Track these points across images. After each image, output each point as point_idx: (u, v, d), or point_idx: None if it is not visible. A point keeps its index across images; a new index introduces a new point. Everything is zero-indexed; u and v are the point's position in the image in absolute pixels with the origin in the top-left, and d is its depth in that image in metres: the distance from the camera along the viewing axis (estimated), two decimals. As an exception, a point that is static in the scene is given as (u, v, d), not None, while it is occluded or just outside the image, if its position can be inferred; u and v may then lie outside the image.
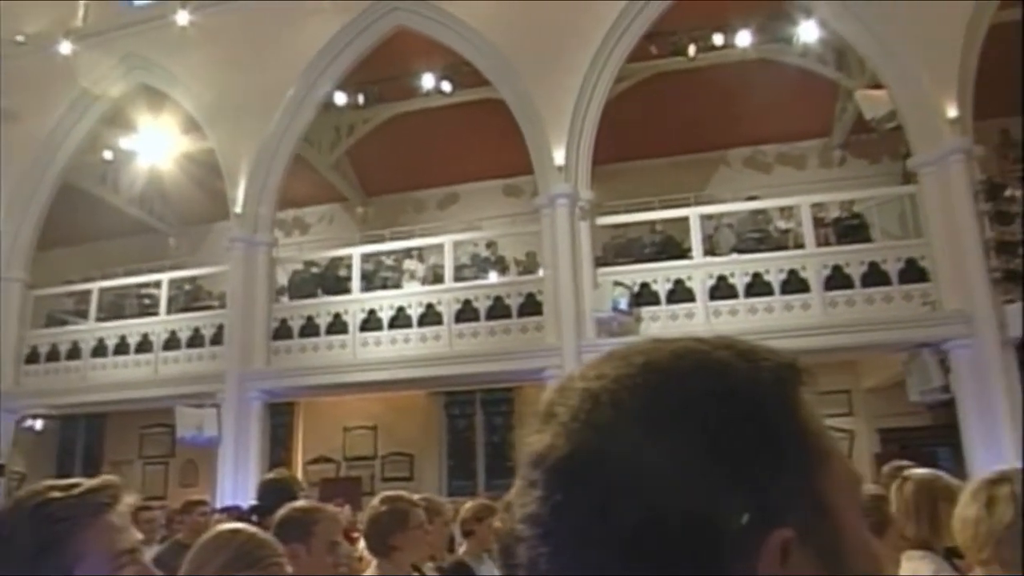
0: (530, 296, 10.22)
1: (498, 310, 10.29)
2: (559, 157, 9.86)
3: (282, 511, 2.31)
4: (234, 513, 5.78)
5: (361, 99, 11.87)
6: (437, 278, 11.04)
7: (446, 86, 11.51)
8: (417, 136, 12.33)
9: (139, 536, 1.14)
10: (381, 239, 12.30)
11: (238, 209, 11.14)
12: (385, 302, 10.80)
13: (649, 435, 0.45)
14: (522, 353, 9.80)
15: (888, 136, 10.36)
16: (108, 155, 12.88)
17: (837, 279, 9.46)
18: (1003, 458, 8.24)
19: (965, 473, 8.84)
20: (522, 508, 0.49)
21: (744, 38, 10.46)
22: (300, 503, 2.44)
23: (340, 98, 11.71)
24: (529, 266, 11.12)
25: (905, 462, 3.55)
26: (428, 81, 11.52)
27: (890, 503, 2.12)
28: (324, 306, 11.05)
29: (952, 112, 8.99)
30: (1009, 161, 11.31)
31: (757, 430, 0.45)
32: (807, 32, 10.23)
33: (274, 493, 3.41)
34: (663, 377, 0.47)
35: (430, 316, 10.52)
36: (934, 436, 10.64)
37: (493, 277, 11.06)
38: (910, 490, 2.47)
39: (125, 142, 12.36)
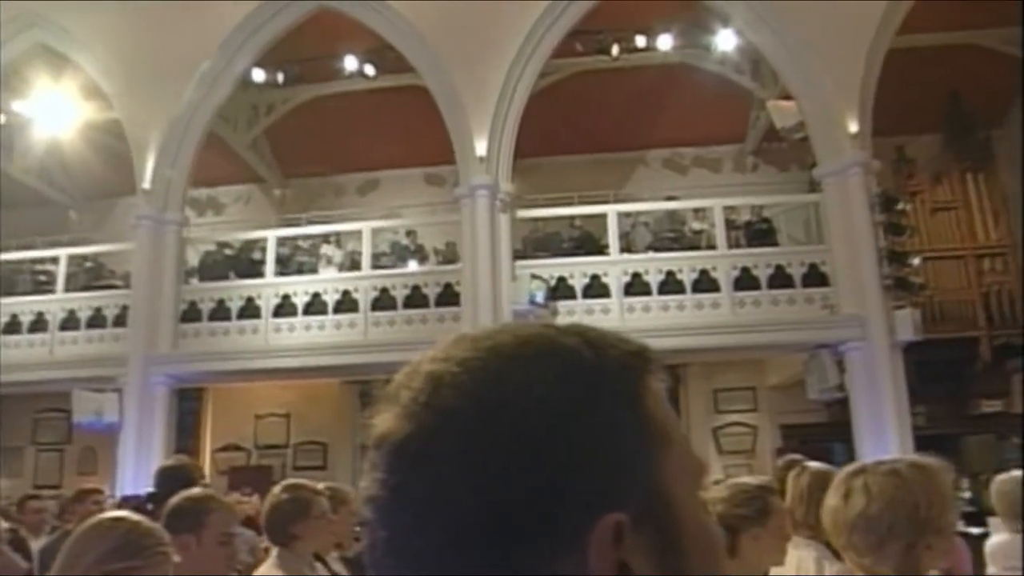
0: (448, 286, 10.21)
1: (416, 299, 10.23)
2: (481, 148, 9.87)
3: (173, 500, 2.22)
4: (132, 502, 5.57)
5: (281, 78, 11.51)
6: (354, 265, 10.88)
7: (369, 70, 11.30)
8: (338, 119, 12.09)
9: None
10: (298, 223, 12.02)
11: (146, 185, 10.65)
12: (300, 287, 10.58)
13: (487, 419, 0.45)
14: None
15: (796, 146, 10.85)
16: (0, 119, 12.04)
17: (745, 280, 9.84)
18: (889, 452, 8.80)
19: (854, 467, 9.40)
20: (364, 491, 0.49)
21: (665, 42, 10.71)
22: (193, 491, 2.35)
23: (259, 75, 11.31)
24: (449, 256, 11.11)
25: (797, 456, 3.76)
26: (351, 64, 11.26)
27: (776, 493, 2.25)
28: (236, 289, 10.72)
29: (853, 128, 9.51)
30: (903, 176, 12.07)
31: (596, 416, 0.45)
32: (725, 41, 10.57)
33: (172, 481, 3.29)
34: (505, 361, 0.47)
35: (346, 303, 10.37)
36: (830, 432, 11.19)
37: (413, 266, 10.99)
38: (805, 481, 2.63)
39: (20, 106, 11.57)
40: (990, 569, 4.01)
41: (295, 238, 11.49)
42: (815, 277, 9.81)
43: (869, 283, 9.36)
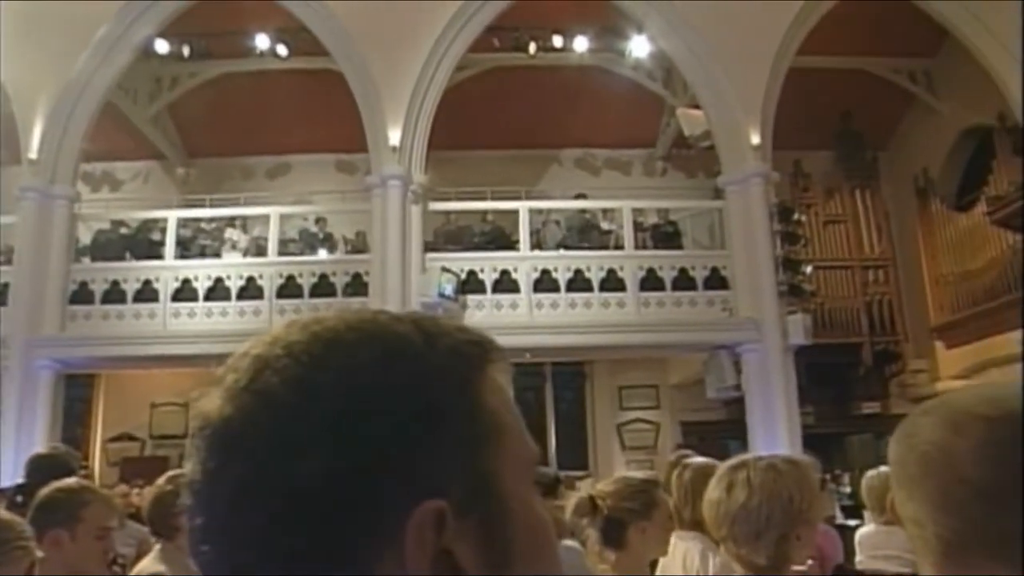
0: (357, 276, 10.05)
1: (323, 288, 10.02)
2: (394, 138, 9.74)
3: (43, 491, 2.08)
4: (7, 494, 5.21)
5: (186, 51, 10.98)
6: (260, 250, 10.54)
7: (282, 50, 10.95)
8: (248, 99, 11.68)
9: None
10: (202, 204, 11.53)
11: (32, 155, 9.96)
12: (202, 272, 10.17)
13: (305, 403, 0.44)
14: None
15: (703, 154, 11.24)
16: None
17: (650, 281, 10.11)
18: (780, 448, 9.27)
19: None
20: (186, 476, 0.47)
21: (582, 44, 10.89)
22: (66, 482, 2.21)
23: (162, 46, 10.76)
24: (358, 245, 10.92)
25: (688, 451, 3.91)
26: (263, 42, 10.88)
27: (661, 487, 2.33)
28: (132, 271, 10.19)
29: (755, 140, 9.95)
30: (799, 189, 12.74)
31: (418, 403, 0.45)
32: (639, 47, 10.83)
33: (45, 471, 3.09)
34: (329, 346, 0.47)
35: (251, 290, 10.04)
36: (727, 429, 11.65)
37: (323, 254, 10.75)
38: (687, 477, 2.73)
39: None
40: (858, 557, 4.29)
41: (198, 220, 11.03)
42: (716, 280, 10.17)
43: (765, 288, 9.79)
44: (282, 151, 12.96)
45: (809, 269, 10.64)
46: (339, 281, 10.06)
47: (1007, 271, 11.18)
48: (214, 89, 11.70)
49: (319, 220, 11.07)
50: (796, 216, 10.56)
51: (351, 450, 0.43)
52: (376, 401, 0.45)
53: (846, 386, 12.85)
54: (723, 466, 1.67)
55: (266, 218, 10.63)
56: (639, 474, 2.29)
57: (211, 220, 11.06)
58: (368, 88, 9.88)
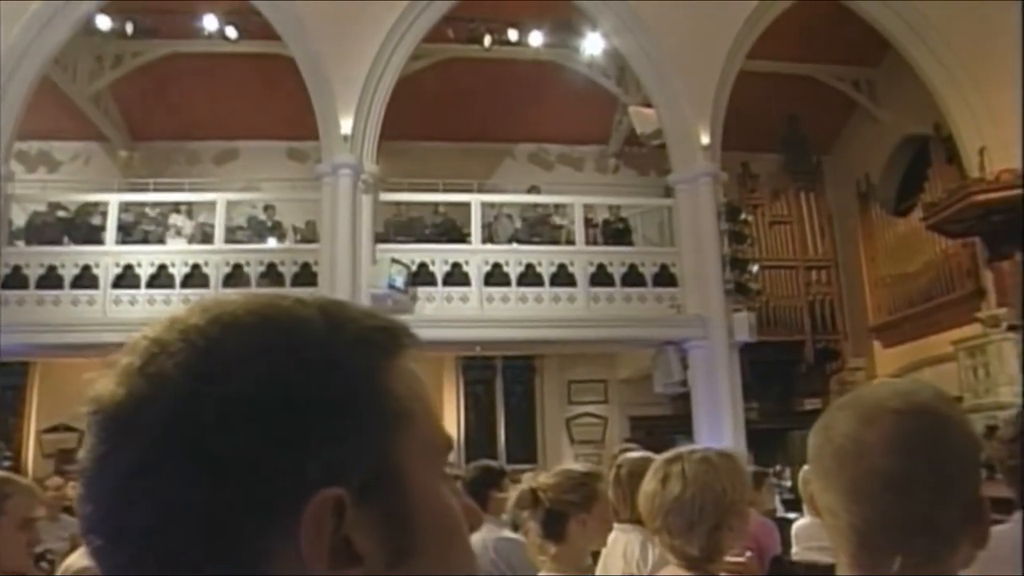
0: (306, 266, 9.90)
1: (271, 277, 9.84)
2: (346, 126, 9.60)
3: (-37, 483, 2.00)
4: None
5: (130, 28, 10.60)
6: (206, 237, 10.30)
7: (231, 32, 10.68)
8: (196, 81, 11.37)
9: None
10: (145, 188, 11.21)
11: (-40, 131, 9.55)
12: (145, 258, 9.88)
13: (197, 388, 0.43)
14: None
15: (655, 152, 11.39)
16: None
17: (601, 277, 10.20)
18: (724, 443, 9.47)
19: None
20: (79, 463, 0.46)
21: (537, 38, 10.89)
22: None
23: (104, 22, 10.37)
24: (308, 235, 10.75)
25: (631, 445, 3.97)
26: (211, 23, 10.60)
27: (602, 480, 2.36)
28: (71, 256, 9.84)
29: (705, 140, 10.12)
30: (747, 190, 13.01)
31: (317, 389, 0.44)
32: (593, 44, 10.88)
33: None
34: (225, 329, 0.45)
35: (196, 277, 9.80)
36: (674, 424, 11.82)
37: (272, 243, 10.56)
38: (625, 470, 2.77)
39: None
40: (794, 548, 4.43)
41: (141, 204, 10.71)
42: (665, 277, 10.32)
43: (713, 286, 9.97)
44: (230, 137, 12.66)
45: (755, 268, 10.88)
46: (288, 271, 9.90)
47: (940, 275, 11.62)
48: (159, 70, 11.35)
49: (268, 208, 10.88)
50: (743, 216, 10.79)
51: (244, 437, 0.42)
52: (273, 387, 0.43)
53: (789, 383, 13.18)
54: (658, 459, 1.71)
55: (213, 204, 10.38)
56: (580, 467, 2.31)
57: (155, 205, 10.76)
58: (320, 75, 9.72)
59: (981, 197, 9.24)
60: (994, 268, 10.02)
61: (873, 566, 0.83)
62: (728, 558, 1.78)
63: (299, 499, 0.42)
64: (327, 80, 9.68)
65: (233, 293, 0.50)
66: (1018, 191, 9.08)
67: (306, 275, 9.81)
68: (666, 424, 12.42)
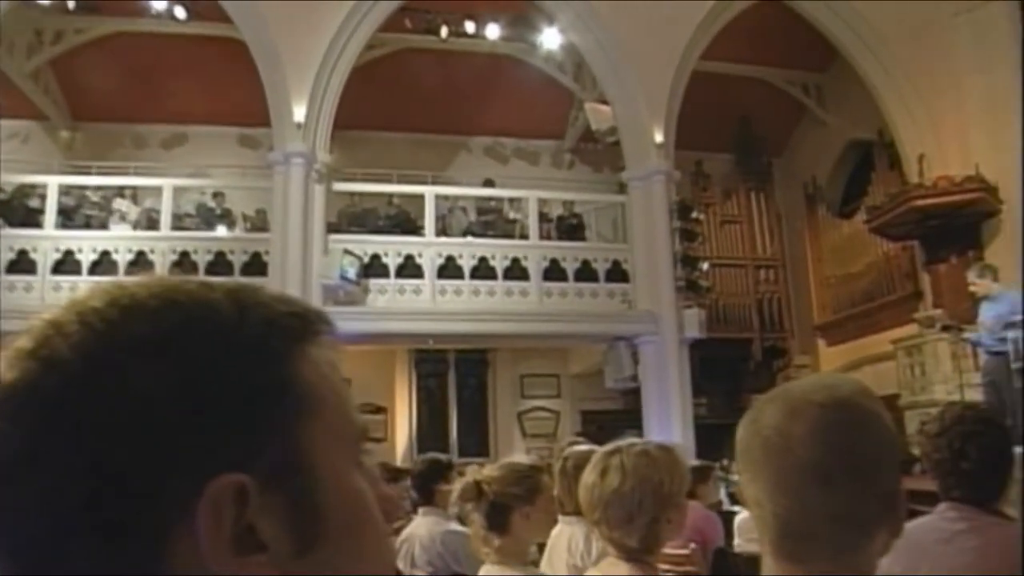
0: (256, 255, 9.72)
1: (220, 266, 9.63)
2: (299, 114, 9.44)
3: None
4: None
5: (72, 3, 10.23)
6: (152, 224, 10.03)
7: (180, 12, 10.39)
8: (143, 62, 11.02)
9: None
10: (88, 171, 10.85)
11: None
12: (87, 243, 9.57)
13: (91, 371, 0.42)
14: None
15: (610, 149, 11.48)
16: None
17: (554, 272, 10.25)
18: (673, 438, 9.63)
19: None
20: None
21: (494, 31, 10.87)
22: None
23: (44, -7, 9.99)
24: (258, 224, 10.54)
25: (580, 439, 4.01)
26: (159, 2, 10.30)
27: (546, 473, 2.37)
28: (7, 239, 9.46)
29: (659, 138, 10.24)
30: (699, 189, 13.22)
31: (220, 374, 0.43)
32: (551, 39, 10.91)
33: None
34: (124, 312, 0.44)
35: (141, 265, 9.51)
36: (625, 419, 11.95)
37: (221, 231, 10.33)
38: (570, 463, 2.79)
39: None
40: (736, 540, 4.53)
41: (83, 188, 10.36)
42: (617, 273, 10.42)
43: (664, 283, 10.11)
44: (179, 120, 12.33)
45: (706, 266, 11.06)
46: (237, 259, 9.72)
47: (882, 276, 12.00)
48: (104, 48, 10.97)
49: (217, 195, 10.63)
50: (695, 214, 10.96)
51: (141, 423, 0.41)
52: (173, 372, 0.42)
53: (737, 379, 13.44)
54: (599, 451, 1.72)
55: (159, 190, 10.11)
56: (525, 460, 2.32)
57: (98, 189, 10.41)
58: (272, 60, 9.52)
59: (919, 202, 9.57)
60: (931, 271, 10.39)
61: (795, 555, 0.85)
62: (673, 550, 1.82)
63: (199, 486, 0.41)
64: (280, 66, 9.49)
65: (138, 277, 0.48)
66: (953, 197, 9.43)
67: (256, 265, 9.64)
68: (617, 419, 12.54)
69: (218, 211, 10.49)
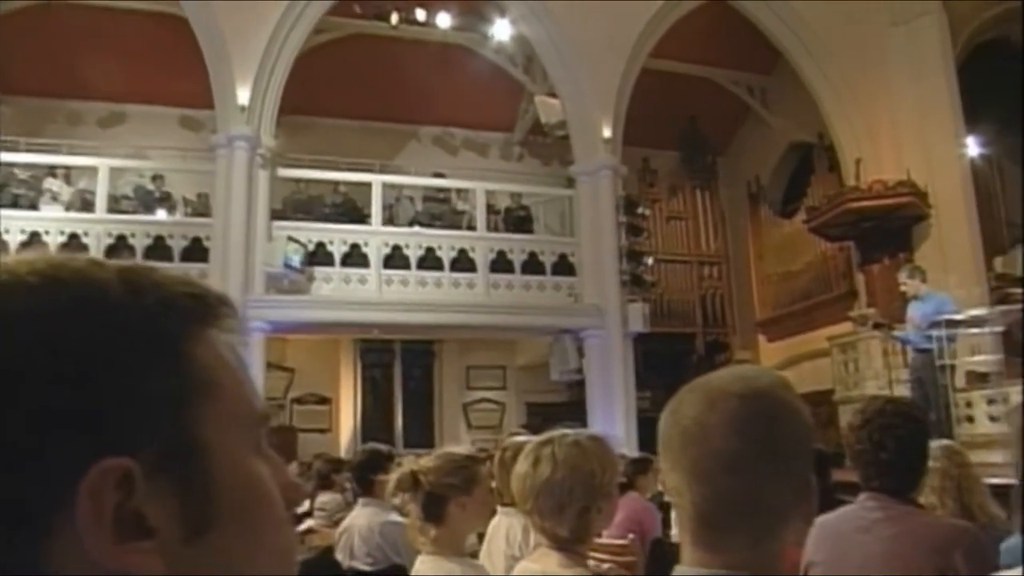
0: (196, 241, 9.46)
1: (158, 251, 9.32)
2: (243, 97, 9.21)
3: None
4: None
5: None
6: (87, 205, 9.67)
7: (118, -15, 10.03)
8: (79, 35, 10.56)
9: None
10: (16, 147, 10.37)
11: None
12: (14, 223, 9.14)
13: None
14: None
15: (559, 143, 11.53)
16: None
17: (501, 264, 10.26)
18: (616, 431, 9.75)
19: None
20: None
21: (444, 20, 10.78)
22: None
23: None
24: (200, 208, 10.28)
25: (522, 431, 4.03)
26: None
27: (483, 463, 2.37)
28: (-78, 217, 9.03)
29: (607, 133, 10.34)
30: (646, 185, 13.40)
31: (106, 354, 0.42)
32: (502, 31, 10.87)
33: None
34: (4, 289, 0.43)
35: (73, 247, 9.15)
36: (570, 411, 12.03)
37: (161, 215, 10.02)
38: (509, 455, 2.80)
39: None
40: (674, 530, 4.62)
41: (11, 165, 9.90)
42: (564, 267, 10.50)
43: (609, 277, 10.22)
44: (117, 99, 11.89)
45: (650, 261, 11.23)
46: (177, 244, 9.44)
47: (819, 275, 12.37)
48: (35, 18, 10.45)
49: (156, 177, 10.30)
50: (641, 210, 11.10)
51: (19, 405, 0.39)
52: (55, 351, 0.41)
53: (680, 373, 13.61)
54: (532, 441, 1.73)
55: (94, 170, 9.74)
56: (462, 450, 2.32)
57: (27, 167, 9.98)
58: (215, 40, 9.25)
59: (855, 205, 9.90)
60: (865, 271, 10.75)
61: (712, 543, 0.87)
62: (611, 540, 1.84)
63: (80, 472, 0.39)
64: (223, 46, 9.23)
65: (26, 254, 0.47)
66: (886, 201, 9.79)
67: (197, 250, 9.39)
68: (562, 411, 12.62)
69: (157, 194, 10.17)
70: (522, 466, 1.66)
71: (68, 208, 9.67)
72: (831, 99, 10.95)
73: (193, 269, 9.26)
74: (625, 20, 10.29)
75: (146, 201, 10.06)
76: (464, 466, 2.19)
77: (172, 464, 0.42)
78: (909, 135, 10.26)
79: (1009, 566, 1.95)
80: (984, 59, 11.08)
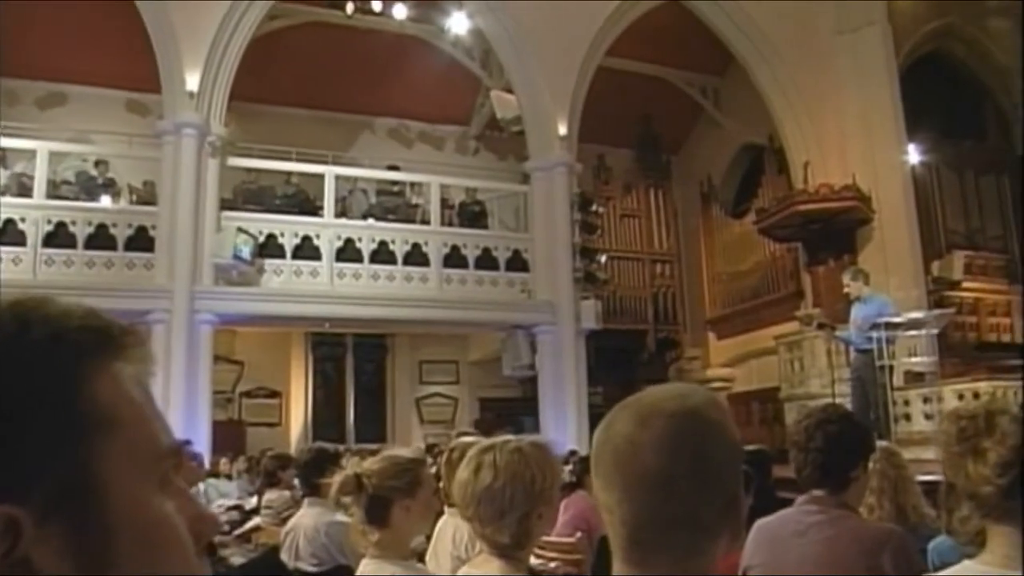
0: (142, 230, 9.17)
1: (101, 240, 9.02)
2: (192, 82, 8.95)
3: None
4: None
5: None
6: (24, 190, 9.31)
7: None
8: (17, 11, 10.14)
9: None
10: (-55, 128, 9.93)
11: None
12: (-56, 208, 8.79)
13: None
14: (125, 291, 8.71)
15: (514, 138, 11.53)
16: None
17: (454, 259, 10.23)
18: (568, 426, 9.84)
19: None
20: None
21: (401, 11, 10.64)
22: None
23: None
24: (146, 196, 9.99)
25: (468, 430, 4.03)
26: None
27: (426, 465, 2.36)
28: None
29: (563, 130, 10.38)
30: (600, 182, 13.52)
31: None
32: (459, 24, 10.78)
33: None
34: None
35: (10, 234, 8.81)
36: (523, 406, 12.13)
37: (106, 202, 9.70)
38: (456, 456, 2.80)
39: None
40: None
41: (-61, 146, 9.49)
42: (518, 262, 10.51)
43: (562, 274, 10.27)
44: (58, 78, 11.45)
45: (603, 258, 11.32)
46: (121, 233, 9.12)
47: (768, 275, 12.64)
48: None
49: (100, 163, 9.97)
50: (595, 207, 11.18)
51: None
52: None
53: (631, 369, 13.85)
54: (474, 448, 1.73)
55: (32, 153, 9.38)
56: (406, 452, 2.30)
57: (-42, 148, 9.57)
58: (163, 22, 8.96)
59: (802, 207, 10.15)
60: (811, 272, 11.03)
61: (641, 559, 0.88)
62: (559, 539, 1.86)
63: None
64: (171, 29, 8.94)
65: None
66: (832, 204, 10.05)
67: (142, 240, 9.12)
68: (515, 406, 12.70)
69: (100, 180, 9.85)
70: (463, 473, 1.66)
71: (4, 192, 9.28)
72: (781, 103, 11.18)
73: (138, 259, 9.04)
74: (582, 18, 10.33)
75: (88, 187, 9.73)
76: (408, 468, 2.18)
77: (66, 505, 0.41)
78: (854, 141, 10.55)
79: (935, 565, 2.03)
80: (923, 71, 11.48)
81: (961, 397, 7.98)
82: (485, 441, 1.72)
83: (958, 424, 1.36)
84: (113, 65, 10.78)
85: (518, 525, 1.62)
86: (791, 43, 10.96)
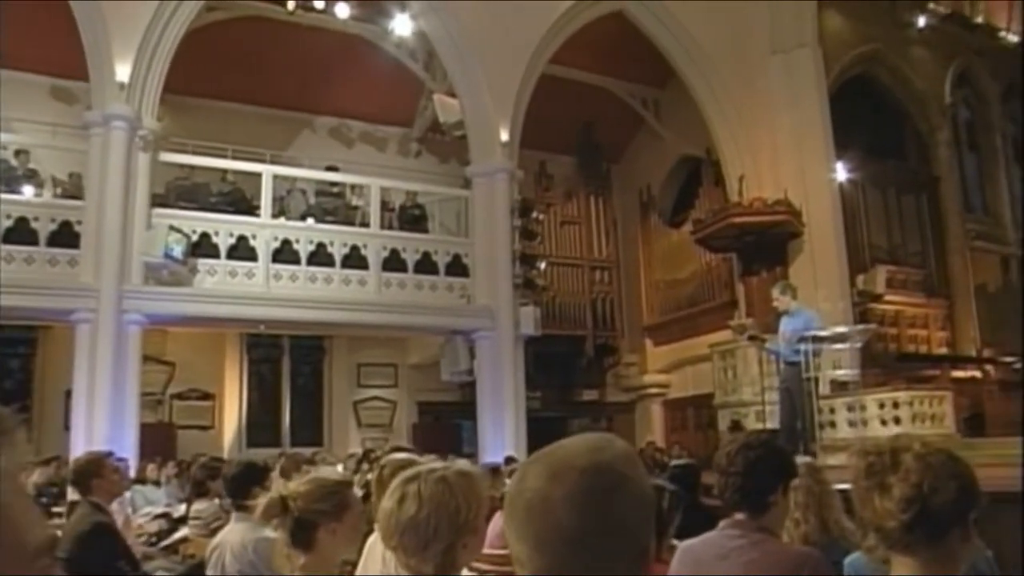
0: (67, 225, 8.79)
1: (21, 235, 8.60)
2: (123, 73, 8.62)
3: None
4: None
5: None
6: (-65, 180, 8.83)
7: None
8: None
9: None
10: None
11: None
12: None
13: None
14: (48, 289, 8.34)
15: (457, 142, 11.50)
16: None
17: (394, 262, 10.14)
18: (506, 430, 9.85)
19: (476, 442, 10.31)
20: None
21: (344, 10, 10.49)
22: None
23: None
24: (71, 189, 9.56)
25: (401, 445, 3.99)
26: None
27: (353, 487, 2.32)
28: None
29: (505, 136, 10.42)
30: (541, 189, 13.61)
31: None
32: (402, 25, 10.68)
33: None
34: None
35: (-83, 225, 8.36)
36: (461, 411, 12.12)
37: (28, 193, 9.24)
38: (387, 473, 2.76)
39: None
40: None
41: None
42: (457, 267, 10.49)
43: (502, 279, 10.30)
44: (-27, 61, 10.87)
45: (543, 265, 11.40)
46: (43, 227, 8.72)
47: (704, 284, 12.94)
48: None
49: (20, 152, 9.49)
50: (535, 214, 11.26)
51: None
52: None
53: (570, 374, 14.01)
54: (399, 477, 1.71)
55: (-54, 142, 8.90)
56: (332, 475, 2.26)
57: None
58: (92, 8, 8.62)
59: (737, 220, 10.43)
60: (745, 282, 11.33)
61: (555, 614, 0.88)
62: (495, 551, 1.85)
63: None
64: (101, 16, 8.59)
65: None
66: (765, 217, 10.36)
67: (66, 235, 8.74)
68: (453, 410, 12.67)
69: (21, 171, 9.39)
70: (387, 503, 1.64)
71: (-86, 182, 8.79)
72: (718, 117, 11.46)
73: (62, 255, 8.67)
74: (526, 25, 10.38)
75: (7, 178, 9.25)
76: (335, 491, 2.14)
77: None
78: (786, 156, 10.89)
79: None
80: (851, 93, 11.95)
81: (882, 406, 8.33)
82: (410, 470, 1.70)
83: (866, 460, 1.41)
84: (37, 48, 10.27)
85: (443, 556, 1.61)
86: (728, 60, 11.26)
